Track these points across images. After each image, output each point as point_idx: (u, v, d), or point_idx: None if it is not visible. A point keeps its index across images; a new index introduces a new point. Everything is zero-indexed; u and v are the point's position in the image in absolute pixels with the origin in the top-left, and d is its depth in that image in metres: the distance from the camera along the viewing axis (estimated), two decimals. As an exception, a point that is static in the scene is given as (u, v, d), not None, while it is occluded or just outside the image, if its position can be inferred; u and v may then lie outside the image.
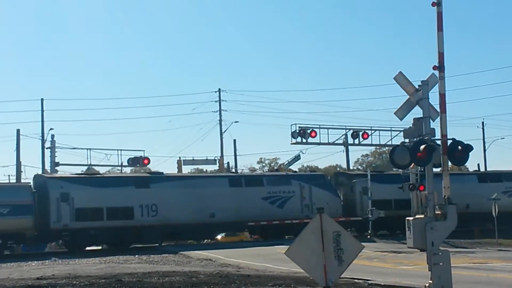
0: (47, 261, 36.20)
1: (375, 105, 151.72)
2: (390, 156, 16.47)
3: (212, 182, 50.59)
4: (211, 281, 21.85)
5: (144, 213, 46.36)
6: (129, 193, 46.48)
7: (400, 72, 16.48)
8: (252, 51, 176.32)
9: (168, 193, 47.56)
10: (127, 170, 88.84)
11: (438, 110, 15.96)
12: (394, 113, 16.67)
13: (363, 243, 14.84)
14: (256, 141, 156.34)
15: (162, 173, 53.15)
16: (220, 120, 76.38)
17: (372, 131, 52.29)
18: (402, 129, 17.01)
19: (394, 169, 47.48)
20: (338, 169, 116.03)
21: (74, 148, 63.66)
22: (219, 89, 77.18)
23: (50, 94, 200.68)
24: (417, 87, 16.16)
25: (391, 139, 51.94)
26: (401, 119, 16.76)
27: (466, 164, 63.41)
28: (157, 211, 46.61)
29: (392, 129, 52.18)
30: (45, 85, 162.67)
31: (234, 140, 79.24)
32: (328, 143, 53.33)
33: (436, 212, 15.45)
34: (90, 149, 59.90)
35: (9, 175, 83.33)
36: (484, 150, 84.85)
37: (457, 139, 15.66)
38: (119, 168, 70.88)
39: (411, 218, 15.64)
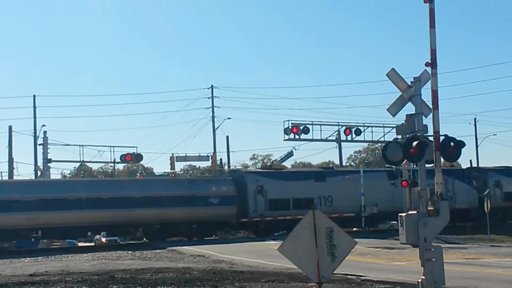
0: (39, 257, 36.14)
1: (368, 101, 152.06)
2: (383, 152, 16.50)
3: (374, 176, 55.33)
4: (204, 278, 21.87)
5: (322, 204, 51.56)
6: (310, 185, 52.43)
7: (393, 68, 16.50)
8: (245, 47, 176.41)
9: (341, 185, 52.76)
10: (120, 167, 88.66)
11: (431, 106, 15.98)
12: (387, 110, 16.69)
13: (355, 239, 14.89)
14: (249, 137, 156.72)
15: (333, 168, 61.80)
16: (213, 117, 76.40)
17: (365, 128, 52.34)
18: (395, 125, 17.01)
19: None
20: (331, 165, 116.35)
21: (67, 145, 63.43)
22: (212, 85, 77.26)
23: (42, 91, 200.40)
24: (409, 83, 16.18)
25: (383, 136, 52.03)
26: (393, 116, 16.77)
27: (458, 160, 63.80)
28: (332, 202, 52.02)
29: (385, 125, 52.30)
30: (37, 81, 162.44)
31: (227, 137, 79.37)
32: (321, 140, 53.32)
33: (429, 208, 15.49)
34: (82, 145, 59.74)
35: (1, 172, 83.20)
36: (477, 147, 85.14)
37: (449, 135, 15.69)
38: (112, 164, 70.86)
39: (403, 214, 15.67)
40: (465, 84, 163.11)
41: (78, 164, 72.42)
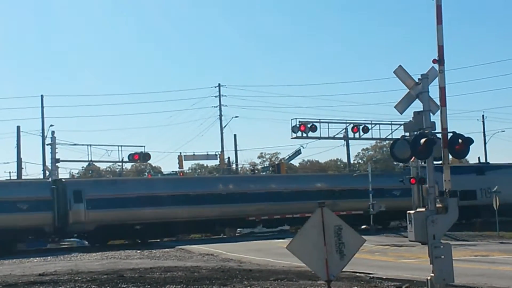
0: (49, 257, 36.26)
1: (375, 99, 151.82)
2: (391, 149, 16.47)
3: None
4: (213, 276, 21.89)
5: (483, 195, 55.98)
6: (471, 178, 56.37)
7: (400, 66, 16.47)
8: (251, 46, 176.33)
9: (500, 179, 54.29)
10: (128, 166, 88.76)
11: (438, 103, 15.95)
12: (394, 107, 16.66)
13: (364, 237, 14.89)
14: (257, 136, 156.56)
15: (488, 163, 65.66)
16: (220, 115, 76.38)
17: (373, 125, 52.31)
18: (403, 122, 17.01)
19: None
20: (339, 163, 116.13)
21: (75, 144, 63.57)
22: (219, 84, 77.21)
23: (50, 91, 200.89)
24: (417, 80, 16.15)
25: (391, 133, 51.99)
26: (401, 113, 16.74)
27: (466, 157, 63.71)
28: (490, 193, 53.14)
29: (392, 122, 52.25)
30: (45, 81, 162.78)
31: (235, 135, 79.29)
32: (329, 137, 53.34)
33: (437, 205, 15.46)
34: (90, 145, 59.84)
35: (9, 172, 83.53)
36: (485, 143, 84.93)
37: (457, 132, 15.66)
38: (120, 164, 70.96)
39: (412, 212, 15.64)
40: (473, 81, 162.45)
41: (86, 163, 72.49)
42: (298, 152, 70.06)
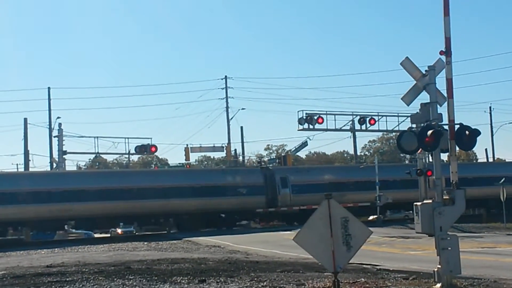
0: (56, 249, 36.37)
1: (382, 90, 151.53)
2: (398, 141, 16.45)
3: None
4: (219, 268, 21.91)
5: None
6: None
7: (407, 57, 16.44)
8: (258, 38, 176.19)
9: None
10: (135, 158, 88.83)
11: (445, 95, 15.91)
12: (401, 99, 16.64)
13: (370, 228, 14.88)
14: (263, 127, 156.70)
15: None
16: (227, 107, 76.37)
17: (379, 117, 52.27)
18: (409, 114, 16.97)
19: None
20: (345, 155, 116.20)
21: (82, 137, 63.78)
22: (226, 76, 77.22)
23: (57, 83, 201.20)
24: (424, 72, 16.12)
25: (398, 125, 51.95)
26: (408, 105, 16.72)
27: (473, 149, 63.55)
28: None
29: (399, 114, 52.21)
30: (52, 74, 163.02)
31: (241, 127, 79.32)
32: (335, 129, 53.32)
33: (444, 197, 15.44)
34: (97, 137, 59.97)
35: (17, 164, 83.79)
36: (492, 135, 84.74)
37: (464, 124, 15.62)
38: (126, 156, 71.01)
39: (419, 203, 15.62)
40: (480, 73, 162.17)
41: (93, 155, 72.69)
42: (304, 144, 70.04)
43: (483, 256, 24.97)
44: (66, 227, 50.83)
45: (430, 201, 15.55)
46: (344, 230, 14.13)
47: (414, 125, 16.50)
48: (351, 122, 53.83)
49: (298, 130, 51.52)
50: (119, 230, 55.73)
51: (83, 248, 36.28)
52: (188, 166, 68.35)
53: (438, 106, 15.98)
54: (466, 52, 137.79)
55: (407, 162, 69.73)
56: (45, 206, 45.64)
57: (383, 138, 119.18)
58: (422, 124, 15.88)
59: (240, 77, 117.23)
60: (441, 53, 15.70)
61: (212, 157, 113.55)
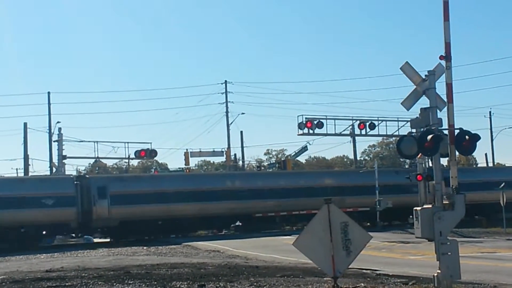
0: (55, 253, 36.33)
1: (382, 95, 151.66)
2: (398, 146, 16.44)
3: None
4: (219, 273, 21.88)
5: None
6: None
7: (407, 62, 16.44)
8: (258, 43, 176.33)
9: None
10: (134, 163, 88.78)
11: (445, 100, 15.91)
12: (401, 103, 16.64)
13: (370, 233, 14.87)
14: (263, 132, 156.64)
15: None
16: (227, 112, 76.35)
17: (379, 122, 52.34)
18: (409, 119, 16.95)
19: None
20: (345, 159, 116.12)
21: (81, 141, 63.80)
22: (226, 81, 77.18)
23: (57, 87, 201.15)
24: (423, 77, 16.12)
25: (398, 130, 52.02)
26: (408, 109, 16.71)
27: (473, 154, 63.67)
28: None
29: (399, 119, 52.28)
30: (52, 78, 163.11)
31: (241, 132, 79.31)
32: (335, 134, 53.38)
33: (444, 202, 15.43)
34: (97, 141, 60.05)
35: (16, 169, 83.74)
36: (492, 140, 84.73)
37: (464, 128, 15.62)
38: (126, 160, 70.97)
39: (419, 208, 15.61)
40: (480, 77, 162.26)
41: (93, 160, 72.66)
42: (304, 149, 70.01)
43: (483, 261, 24.95)
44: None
45: (430, 206, 15.54)
46: (344, 235, 14.13)
47: (414, 130, 16.50)
48: (351, 127, 53.90)
49: (298, 134, 51.61)
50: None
51: (83, 253, 36.24)
52: (188, 170, 68.35)
53: (438, 110, 15.98)
54: (466, 57, 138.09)
55: (407, 166, 69.80)
56: None
57: (383, 143, 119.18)
58: (422, 129, 15.88)
59: (240, 82, 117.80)
60: (441, 58, 15.70)
61: (212, 161, 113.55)
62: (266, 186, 52.15)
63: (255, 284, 18.73)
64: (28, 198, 45.25)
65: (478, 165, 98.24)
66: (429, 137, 15.24)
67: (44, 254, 35.81)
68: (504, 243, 34.71)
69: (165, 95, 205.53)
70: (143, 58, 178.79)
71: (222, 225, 53.37)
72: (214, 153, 70.48)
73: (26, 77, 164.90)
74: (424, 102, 16.15)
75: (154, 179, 55.02)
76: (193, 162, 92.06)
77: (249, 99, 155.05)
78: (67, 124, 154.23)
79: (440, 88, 16.03)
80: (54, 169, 63.63)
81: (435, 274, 15.25)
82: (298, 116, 50.67)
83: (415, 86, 16.32)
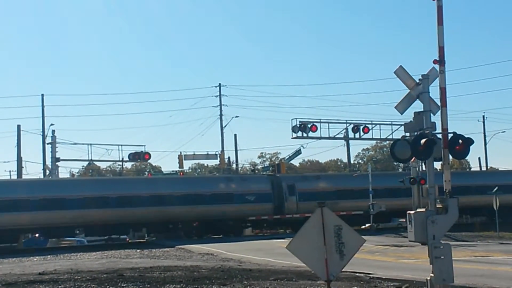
0: (48, 256, 36.25)
1: (376, 99, 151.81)
2: (391, 150, 16.46)
3: None
4: (212, 276, 21.89)
5: None
6: None
7: (401, 66, 16.46)
8: (252, 46, 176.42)
9: None
10: (128, 165, 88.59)
11: (439, 104, 15.93)
12: (395, 107, 16.65)
13: (364, 237, 14.88)
14: (257, 135, 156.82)
15: None
16: (221, 115, 76.37)
17: (373, 125, 52.28)
18: (403, 123, 16.98)
19: None
20: (339, 163, 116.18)
21: (75, 144, 63.57)
22: (220, 84, 77.22)
23: (51, 90, 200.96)
24: (417, 81, 16.14)
25: (391, 133, 51.97)
26: (401, 113, 16.72)
27: (467, 158, 63.74)
28: None
29: (393, 123, 52.24)
30: (46, 81, 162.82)
31: (235, 135, 79.32)
32: (329, 138, 53.30)
33: (437, 206, 15.45)
34: (91, 144, 59.92)
35: (10, 171, 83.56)
36: (485, 144, 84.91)
37: (457, 132, 15.65)
38: (120, 163, 70.85)
39: (412, 212, 15.63)
40: (473, 82, 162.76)
41: (87, 163, 72.52)
42: (298, 152, 70.07)
43: (476, 264, 25.00)
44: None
45: (423, 209, 15.56)
46: (337, 238, 14.11)
47: (407, 134, 16.52)
48: (344, 131, 53.87)
49: (292, 138, 51.51)
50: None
51: (76, 255, 36.17)
52: (181, 173, 68.27)
53: (432, 114, 16.00)
54: (459, 61, 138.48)
55: (400, 170, 69.87)
56: None
57: (377, 147, 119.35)
58: (416, 133, 15.89)
59: (234, 85, 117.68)
60: (434, 62, 15.72)
61: (206, 164, 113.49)
62: None
63: (248, 287, 18.75)
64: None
65: (472, 169, 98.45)
66: (423, 141, 15.27)
67: (37, 257, 35.74)
68: (497, 247, 34.79)
69: (159, 98, 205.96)
70: (137, 61, 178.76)
71: None
72: (208, 156, 70.45)
73: (19, 79, 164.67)
74: (417, 106, 16.19)
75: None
76: (187, 165, 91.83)
77: (243, 102, 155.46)
78: (60, 126, 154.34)
79: (434, 92, 16.06)
80: (47, 172, 63.49)
81: (428, 278, 15.26)
82: (292, 119, 50.62)
83: (408, 90, 16.34)
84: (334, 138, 54.08)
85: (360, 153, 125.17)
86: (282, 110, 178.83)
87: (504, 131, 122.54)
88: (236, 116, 77.91)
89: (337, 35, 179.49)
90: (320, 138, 53.10)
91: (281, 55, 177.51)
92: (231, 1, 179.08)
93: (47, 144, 63.75)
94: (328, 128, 52.13)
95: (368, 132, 51.95)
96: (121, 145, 59.86)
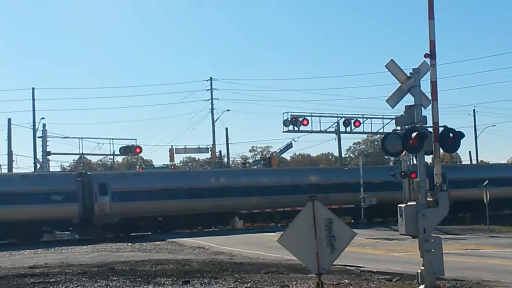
0: (39, 249, 36.18)
1: (367, 93, 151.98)
2: (382, 143, 16.49)
3: None
4: (204, 269, 21.90)
5: None
6: None
7: (392, 60, 16.49)
8: (244, 39, 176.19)
9: None
10: (119, 159, 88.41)
11: (430, 97, 15.98)
12: (386, 101, 16.69)
13: (354, 230, 14.91)
14: (248, 129, 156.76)
15: None
16: (212, 109, 76.33)
17: (364, 119, 52.38)
18: (394, 116, 17.05)
19: None
20: (330, 157, 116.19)
21: (66, 137, 63.33)
22: (211, 77, 77.18)
23: (41, 83, 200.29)
24: (408, 75, 16.17)
25: (383, 127, 52.09)
26: (392, 107, 16.78)
27: (457, 152, 63.82)
28: None
29: (384, 117, 52.34)
30: (36, 74, 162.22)
31: (226, 129, 79.37)
32: (320, 131, 53.38)
33: (428, 199, 15.50)
34: (82, 138, 59.77)
35: (0, 165, 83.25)
36: (476, 138, 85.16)
37: (448, 126, 15.69)
38: (111, 157, 70.68)
39: (403, 205, 15.67)
40: (464, 75, 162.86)
41: (78, 156, 72.35)
42: (289, 146, 70.06)
43: (466, 258, 25.09)
44: None
45: (414, 203, 15.60)
46: (328, 231, 14.15)
47: (398, 128, 16.56)
48: (336, 124, 53.97)
49: (283, 131, 51.56)
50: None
51: (67, 249, 36.10)
52: (173, 167, 68.19)
53: (423, 108, 16.05)
54: (450, 55, 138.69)
55: (391, 164, 69.98)
56: None
57: (368, 140, 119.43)
58: (407, 127, 15.94)
59: (226, 79, 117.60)
60: (425, 55, 15.75)
61: (197, 158, 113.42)
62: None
63: (239, 280, 18.77)
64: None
65: (462, 163, 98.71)
66: (414, 134, 15.31)
67: (28, 250, 35.66)
68: (487, 240, 34.91)
69: (150, 91, 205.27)
70: (128, 54, 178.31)
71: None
72: (199, 150, 70.41)
73: (10, 72, 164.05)
74: (409, 100, 16.23)
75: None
76: (178, 158, 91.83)
77: (234, 96, 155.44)
78: (51, 120, 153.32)
79: (425, 86, 16.10)
80: (38, 165, 63.32)
81: (419, 271, 15.33)
82: (283, 113, 50.58)
83: (400, 84, 16.38)
84: (325, 131, 54.17)
85: (351, 146, 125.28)
86: (273, 104, 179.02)
87: (494, 125, 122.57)
88: (228, 110, 77.92)
89: (329, 29, 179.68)
90: (312, 131, 53.15)
91: (273, 49, 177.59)
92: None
93: (38, 137, 63.54)
94: (320, 122, 52.23)
95: (359, 125, 52.03)
96: (112, 139, 59.76)
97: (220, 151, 77.32)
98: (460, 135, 15.65)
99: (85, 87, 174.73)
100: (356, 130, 52.78)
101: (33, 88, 69.65)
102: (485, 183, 44.90)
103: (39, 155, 62.87)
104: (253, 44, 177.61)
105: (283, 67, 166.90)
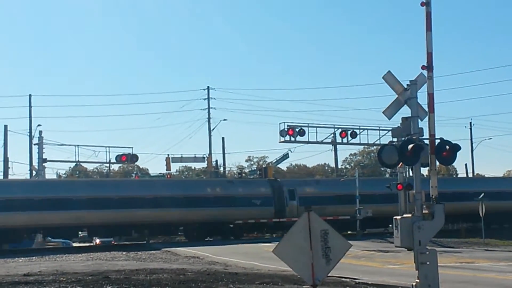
0: (34, 257, 36.06)
1: (364, 104, 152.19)
2: (379, 155, 16.47)
3: None
4: (198, 279, 21.83)
5: None
6: None
7: (389, 71, 16.49)
8: (241, 49, 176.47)
9: None
10: (115, 167, 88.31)
11: (427, 109, 15.98)
12: (383, 112, 16.69)
13: (350, 242, 14.89)
14: (245, 139, 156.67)
15: None
16: (209, 118, 76.32)
17: (361, 130, 52.27)
18: (391, 128, 17.02)
19: None
20: (326, 168, 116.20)
21: (62, 145, 63.27)
22: (208, 87, 77.22)
23: (38, 91, 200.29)
24: (405, 86, 16.17)
25: (379, 138, 51.98)
26: (389, 118, 16.77)
27: (453, 164, 63.81)
28: None
29: (381, 128, 52.26)
30: (33, 81, 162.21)
31: (223, 138, 79.31)
32: (317, 142, 53.30)
33: (424, 211, 15.48)
34: (78, 145, 59.63)
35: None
36: (472, 150, 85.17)
37: (445, 138, 15.69)
38: (107, 165, 70.58)
39: (398, 217, 15.65)
40: (461, 88, 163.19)
41: (74, 164, 72.21)
42: (285, 156, 70.03)
43: (461, 271, 25.06)
44: None
45: (410, 215, 15.58)
46: (324, 242, 14.10)
47: (395, 139, 16.55)
48: (332, 135, 53.86)
49: (280, 142, 51.45)
50: (97, 240, 55.44)
51: (61, 257, 35.99)
52: (169, 176, 68.13)
53: (419, 120, 16.04)
54: (447, 67, 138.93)
55: (387, 176, 69.95)
56: None
57: (364, 152, 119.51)
58: (403, 138, 15.93)
59: (223, 88, 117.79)
60: (423, 67, 15.76)
61: (193, 167, 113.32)
62: None
63: (234, 290, 18.72)
64: None
65: (458, 175, 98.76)
66: (410, 146, 15.30)
67: (22, 258, 35.54)
68: (483, 254, 34.90)
69: (147, 100, 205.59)
70: (126, 63, 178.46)
71: None
72: (195, 159, 70.36)
73: (7, 79, 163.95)
74: (405, 111, 16.22)
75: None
76: (174, 167, 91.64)
77: (231, 106, 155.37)
78: (47, 127, 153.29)
79: (422, 97, 16.11)
80: (34, 172, 63.18)
81: (414, 284, 15.28)
82: (280, 123, 50.56)
83: (396, 96, 16.38)
84: (322, 142, 54.09)
85: (347, 157, 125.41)
86: (270, 114, 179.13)
87: (490, 138, 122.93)
88: (224, 119, 77.94)
89: (326, 40, 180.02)
90: (308, 142, 53.08)
91: (270, 58, 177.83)
92: (221, 3, 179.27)
93: (34, 144, 63.43)
94: (316, 133, 52.12)
95: (356, 137, 51.99)
96: (109, 147, 59.68)
97: (216, 161, 77.32)
98: (457, 147, 15.64)
99: (81, 95, 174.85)
100: (353, 141, 52.70)
101: (30, 95, 69.74)
102: (481, 196, 44.92)
103: (35, 162, 62.77)
104: (250, 54, 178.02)
105: (280, 77, 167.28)
